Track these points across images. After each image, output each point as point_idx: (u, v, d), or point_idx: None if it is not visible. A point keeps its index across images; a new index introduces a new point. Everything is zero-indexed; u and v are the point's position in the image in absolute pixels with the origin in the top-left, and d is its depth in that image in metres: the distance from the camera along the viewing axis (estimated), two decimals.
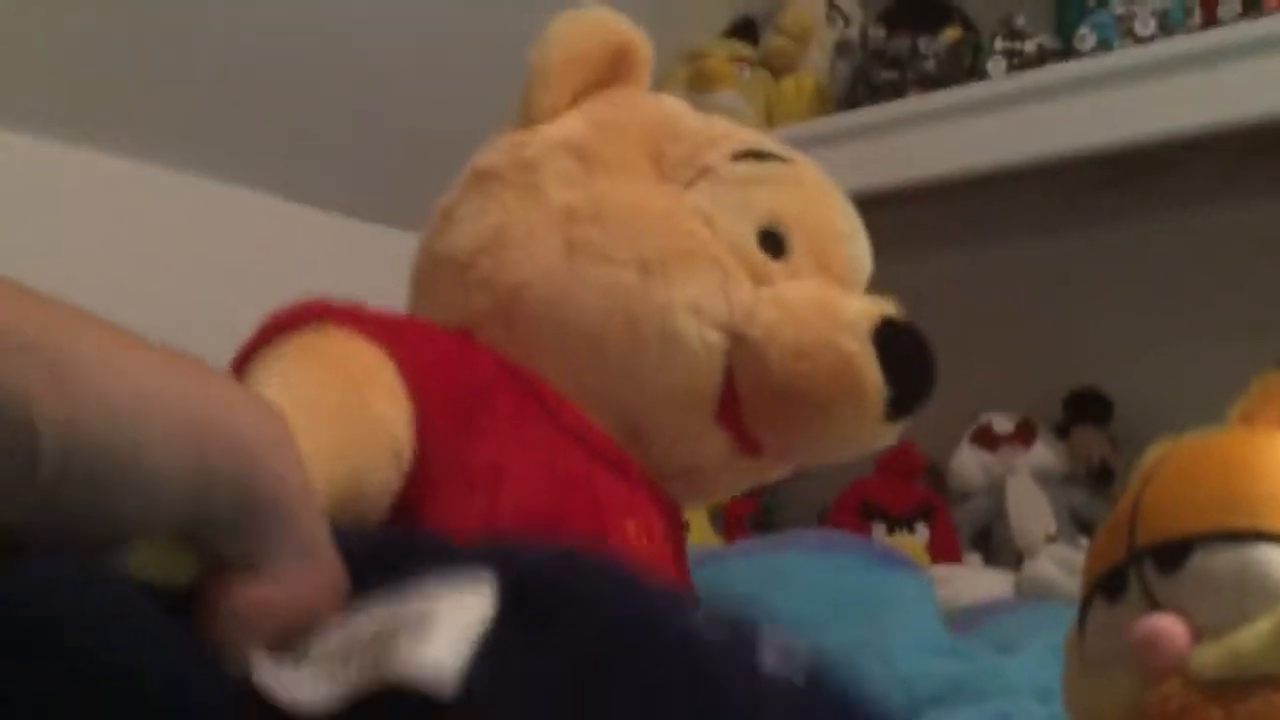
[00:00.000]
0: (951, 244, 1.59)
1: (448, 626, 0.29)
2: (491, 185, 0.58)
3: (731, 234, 0.55)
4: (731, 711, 0.29)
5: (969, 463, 1.43)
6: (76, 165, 0.89)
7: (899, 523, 1.36)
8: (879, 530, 1.35)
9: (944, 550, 1.33)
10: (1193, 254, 1.43)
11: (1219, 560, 0.39)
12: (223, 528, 0.27)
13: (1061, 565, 1.16)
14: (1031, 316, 1.57)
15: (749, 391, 0.54)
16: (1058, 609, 0.98)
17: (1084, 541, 1.33)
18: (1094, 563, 0.45)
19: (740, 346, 0.53)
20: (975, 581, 1.21)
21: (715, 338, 0.53)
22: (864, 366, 0.52)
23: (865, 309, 0.54)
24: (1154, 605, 0.40)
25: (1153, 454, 0.47)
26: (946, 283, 1.60)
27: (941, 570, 1.20)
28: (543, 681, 0.29)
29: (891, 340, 0.53)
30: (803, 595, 0.78)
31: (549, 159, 0.57)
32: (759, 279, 0.55)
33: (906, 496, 1.40)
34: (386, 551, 0.34)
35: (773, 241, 0.57)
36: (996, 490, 1.40)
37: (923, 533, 1.34)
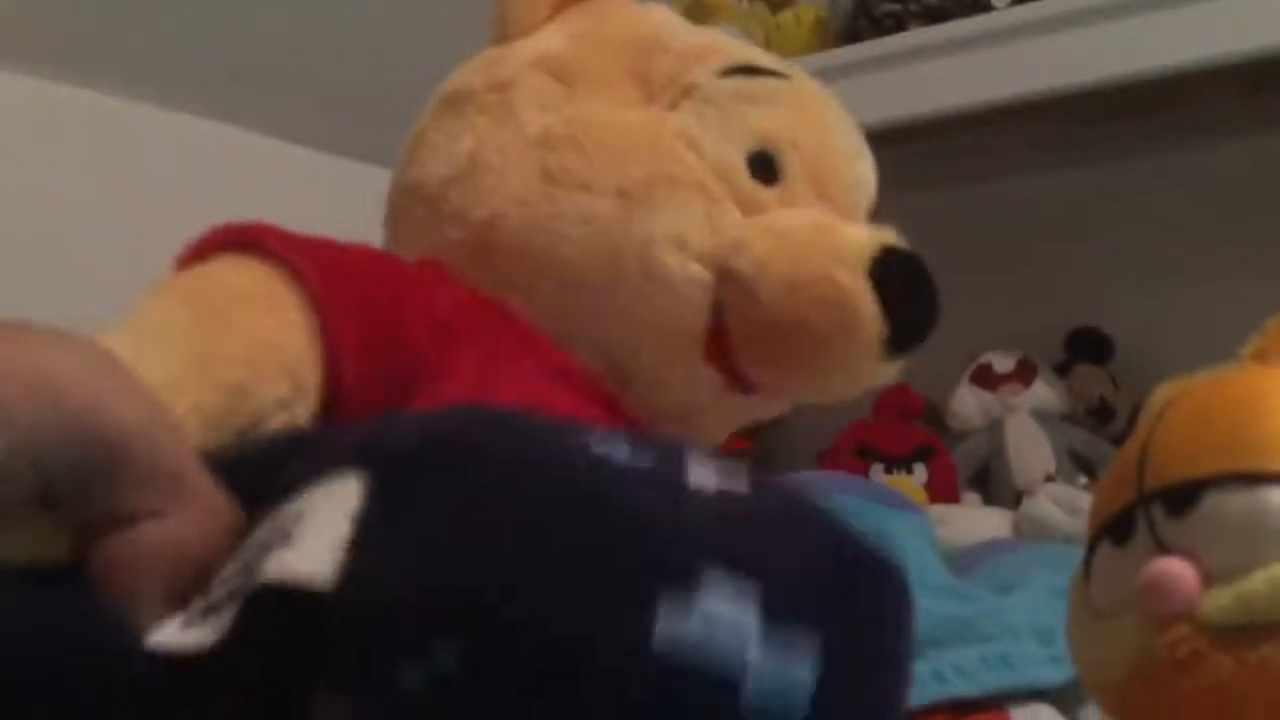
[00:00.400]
0: (952, 180, 1.57)
1: (315, 524, 0.28)
2: (464, 109, 0.55)
3: (719, 158, 0.52)
4: (640, 527, 0.27)
5: (968, 402, 1.43)
6: (59, 103, 0.88)
7: (897, 463, 1.35)
8: (877, 471, 1.34)
9: (942, 490, 1.32)
10: (1197, 191, 1.42)
11: (1230, 503, 0.38)
12: (74, 486, 0.25)
13: (1060, 504, 1.16)
14: (1032, 254, 1.56)
15: (739, 327, 0.51)
16: (1057, 549, 0.97)
17: (1083, 481, 1.32)
18: (1101, 505, 0.43)
19: (728, 280, 0.50)
20: (973, 521, 1.21)
21: (700, 271, 0.50)
22: (860, 301, 0.49)
23: (864, 239, 0.51)
24: (1162, 549, 0.39)
25: (1161, 394, 0.45)
26: (946, 220, 1.58)
27: (939, 510, 1.20)
28: (421, 546, 0.28)
29: (891, 272, 0.50)
30: None
31: (524, 78, 0.54)
32: (749, 207, 0.52)
33: (904, 437, 1.39)
34: (275, 458, 0.33)
35: (765, 165, 0.53)
36: (995, 430, 1.39)
37: (921, 473, 1.34)
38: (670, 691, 0.26)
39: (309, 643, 0.28)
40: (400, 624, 0.27)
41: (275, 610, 0.27)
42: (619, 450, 0.30)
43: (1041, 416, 1.38)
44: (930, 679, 0.64)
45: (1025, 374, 1.42)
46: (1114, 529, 0.42)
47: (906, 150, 1.41)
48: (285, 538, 0.28)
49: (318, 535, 0.28)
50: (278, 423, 0.43)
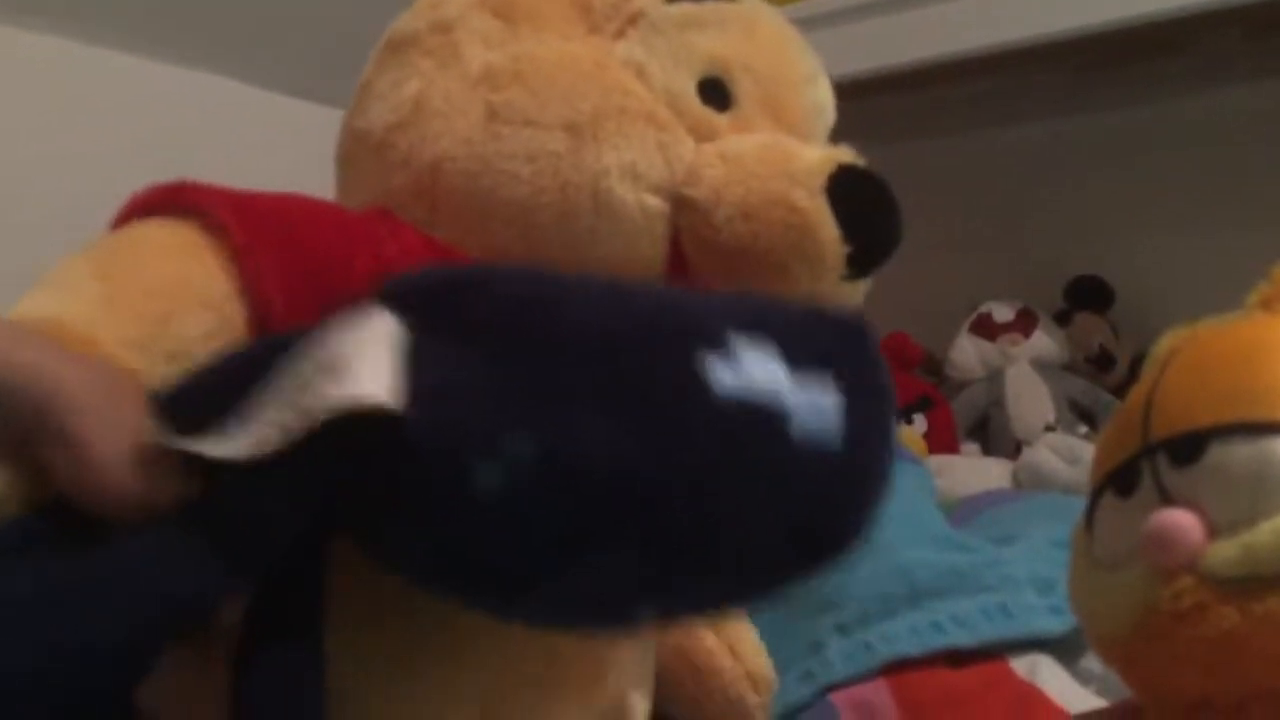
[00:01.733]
0: (951, 129, 1.55)
1: (361, 357, 0.30)
2: (408, 53, 0.53)
3: (668, 86, 0.51)
4: (670, 305, 0.33)
5: (967, 352, 1.42)
6: (12, 45, 0.86)
7: (897, 414, 1.35)
8: None
9: (942, 441, 1.32)
10: (1196, 138, 1.40)
11: (1236, 454, 0.37)
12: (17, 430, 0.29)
13: (1060, 454, 1.16)
14: (1032, 203, 1.55)
15: (698, 257, 0.50)
16: (1057, 499, 0.97)
17: (1083, 430, 1.32)
18: (1105, 455, 0.43)
19: (684, 209, 0.49)
20: (973, 471, 1.21)
21: (655, 202, 0.49)
22: (818, 223, 0.48)
23: (819, 159, 0.49)
24: (1167, 500, 0.39)
25: (1166, 343, 0.45)
26: (945, 169, 1.56)
27: (939, 460, 1.20)
28: (477, 354, 0.31)
29: (848, 191, 0.49)
30: None
31: (467, 17, 0.53)
32: (701, 134, 0.51)
33: (904, 387, 1.39)
34: (258, 354, 0.35)
35: (716, 91, 0.52)
36: (995, 379, 1.39)
37: (920, 423, 1.34)
38: (737, 427, 0.30)
39: (365, 471, 0.29)
40: (471, 429, 0.29)
41: (329, 439, 0.28)
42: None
43: (1041, 366, 1.38)
44: (929, 629, 0.64)
45: (1025, 323, 1.41)
46: (1118, 480, 0.41)
47: (906, 98, 1.40)
48: (331, 372, 0.29)
49: (369, 364, 0.30)
50: (208, 351, 0.42)
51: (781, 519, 0.32)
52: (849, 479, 0.33)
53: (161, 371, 0.40)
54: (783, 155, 0.50)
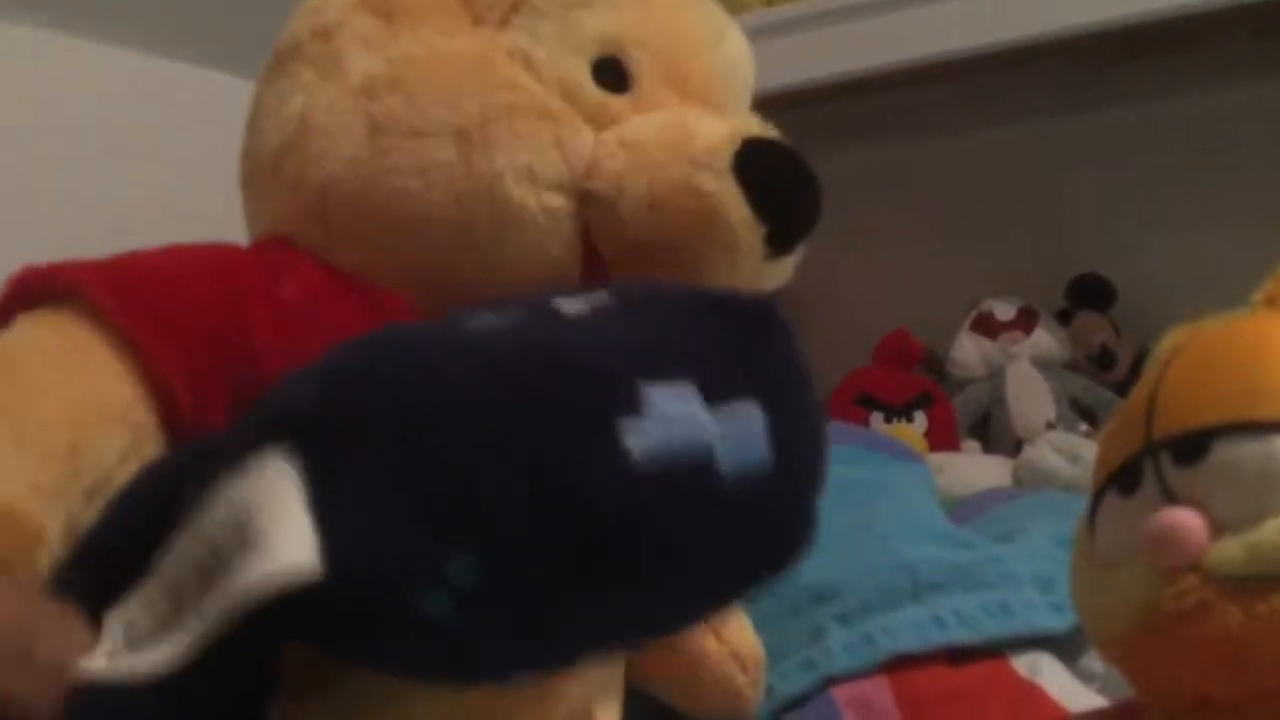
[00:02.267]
0: (951, 126, 1.55)
1: (269, 515, 0.28)
2: (291, 63, 0.50)
3: (559, 73, 0.48)
4: (568, 373, 0.30)
5: (968, 350, 1.42)
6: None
7: (897, 412, 1.35)
8: (876, 420, 1.34)
9: (942, 438, 1.32)
10: (1199, 136, 1.40)
11: (1241, 452, 0.37)
12: None
13: (1061, 452, 1.15)
14: (1033, 201, 1.54)
15: (611, 253, 0.48)
16: (1058, 497, 0.97)
17: (1084, 428, 1.32)
18: (1107, 454, 0.43)
19: (589, 205, 0.47)
20: (973, 469, 1.20)
21: (558, 201, 0.47)
22: (727, 206, 0.45)
23: (723, 135, 0.46)
24: (1170, 498, 0.39)
25: (1170, 340, 0.44)
26: (945, 166, 1.56)
27: (939, 458, 1.19)
28: (391, 483, 0.29)
29: (756, 166, 0.46)
30: None
31: (348, 20, 0.49)
32: (600, 121, 0.48)
33: (904, 385, 1.39)
34: (154, 496, 0.32)
35: (612, 72, 0.49)
36: (996, 377, 1.39)
37: (921, 421, 1.33)
38: (664, 489, 0.29)
39: (302, 627, 0.28)
40: (407, 566, 0.28)
41: (260, 615, 0.27)
42: (486, 320, 0.33)
43: (1042, 364, 1.38)
44: (931, 625, 0.64)
45: (1026, 321, 1.41)
46: (1121, 478, 0.41)
47: (907, 97, 1.40)
48: (243, 542, 0.27)
49: (281, 524, 0.27)
50: (128, 473, 0.38)
51: (724, 552, 0.32)
52: (787, 491, 0.32)
53: (82, 517, 0.37)
54: (683, 136, 0.47)
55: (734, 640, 0.59)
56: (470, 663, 0.30)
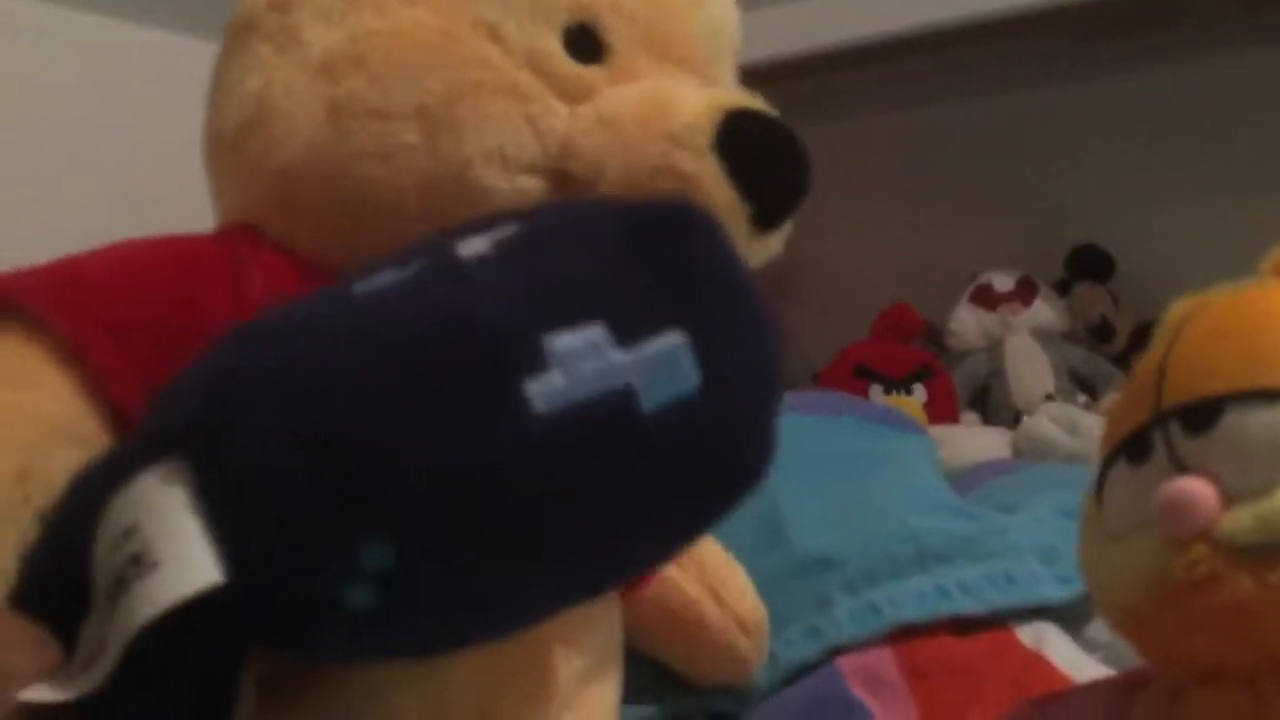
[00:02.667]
0: (949, 96, 1.54)
1: (163, 534, 0.27)
2: (249, 38, 0.47)
3: (528, 45, 0.44)
4: (468, 336, 0.28)
5: (967, 322, 1.42)
6: None
7: (896, 384, 1.35)
8: (876, 392, 1.34)
9: (942, 411, 1.32)
10: (1197, 106, 1.39)
11: (1252, 421, 0.37)
12: None
13: (1060, 423, 1.16)
14: (1032, 172, 1.54)
15: None
16: (1059, 468, 0.97)
17: (1083, 399, 1.32)
18: (1116, 423, 0.43)
19: (566, 185, 0.44)
20: (973, 441, 1.21)
21: (532, 183, 0.44)
22: (710, 186, 0.43)
23: (702, 108, 0.44)
24: (1181, 468, 0.38)
25: (1178, 309, 0.44)
26: (944, 137, 1.55)
27: (939, 430, 1.20)
28: (283, 486, 0.27)
29: (739, 142, 0.43)
30: (804, 455, 0.77)
31: None
32: (574, 95, 0.45)
33: (903, 357, 1.39)
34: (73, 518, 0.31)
35: (585, 41, 0.46)
36: (995, 349, 1.39)
37: (920, 393, 1.34)
38: (580, 443, 0.28)
39: (226, 639, 0.27)
40: (321, 565, 0.27)
41: (177, 630, 0.26)
42: (381, 280, 0.31)
43: (1041, 335, 1.38)
44: (935, 595, 0.64)
45: (1025, 293, 1.41)
46: (1130, 448, 0.41)
47: (904, 66, 1.39)
48: (137, 564, 0.26)
49: (172, 542, 0.26)
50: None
51: (666, 491, 0.30)
52: (728, 415, 0.30)
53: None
54: (661, 111, 0.44)
55: (736, 605, 0.59)
56: (409, 641, 0.29)
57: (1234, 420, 0.37)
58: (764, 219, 0.45)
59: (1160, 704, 0.41)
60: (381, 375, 0.28)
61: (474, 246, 0.31)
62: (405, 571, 0.27)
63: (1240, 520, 0.36)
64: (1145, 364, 0.43)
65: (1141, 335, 1.41)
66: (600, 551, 0.30)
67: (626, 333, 0.29)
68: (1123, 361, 1.39)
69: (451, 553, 0.27)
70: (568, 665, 0.42)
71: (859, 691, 0.59)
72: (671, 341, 0.29)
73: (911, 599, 0.63)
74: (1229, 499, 0.37)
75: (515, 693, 0.39)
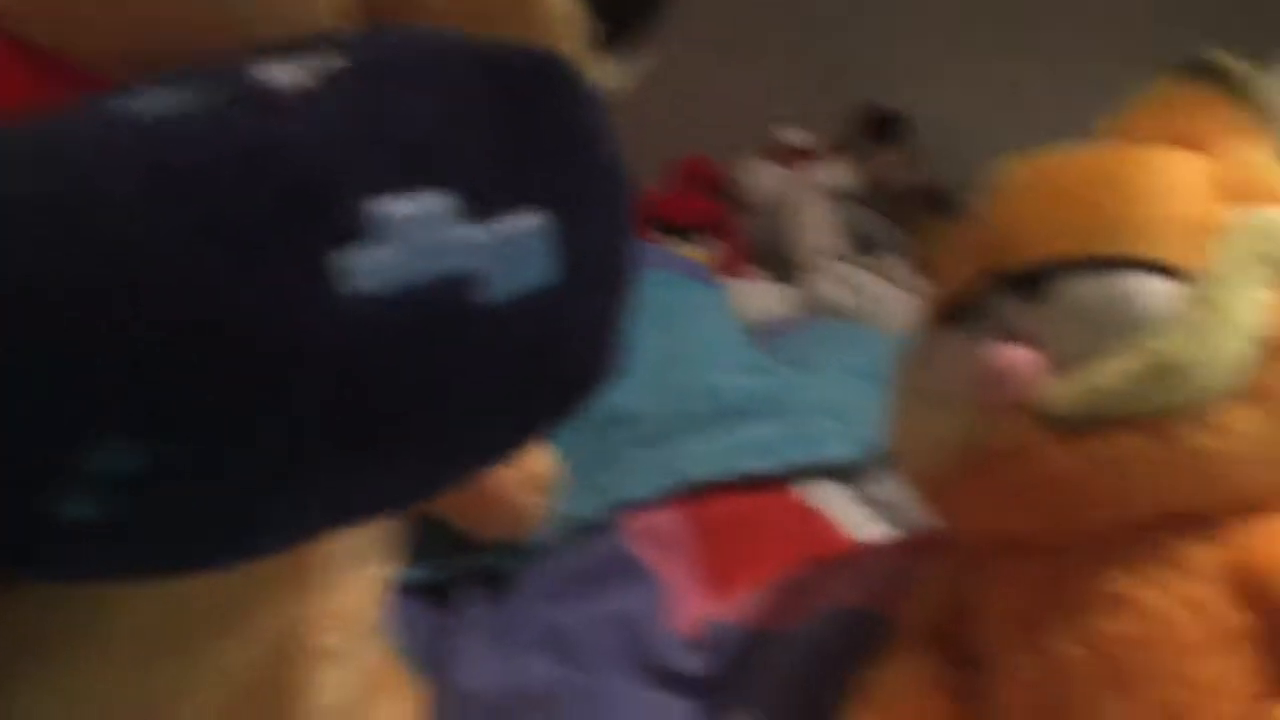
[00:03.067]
0: None
1: None
2: None
3: None
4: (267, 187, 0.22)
5: (761, 176, 1.40)
6: None
7: (689, 236, 1.32)
8: (670, 243, 1.31)
9: (732, 265, 1.31)
10: None
11: (1084, 288, 0.35)
12: None
13: (847, 283, 1.17)
14: (831, 29, 1.52)
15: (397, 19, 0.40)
16: (849, 328, 0.98)
17: (869, 260, 1.34)
18: (941, 285, 0.40)
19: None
20: (761, 297, 1.20)
21: None
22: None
23: None
24: (1007, 334, 0.37)
25: (1010, 170, 0.42)
26: None
27: (729, 285, 1.18)
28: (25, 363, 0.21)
29: None
30: None
31: None
32: None
33: (695, 209, 1.36)
34: None
35: None
36: (786, 206, 1.38)
37: (713, 246, 1.32)
38: (403, 327, 0.23)
39: None
40: (36, 465, 0.21)
41: None
42: (156, 101, 0.23)
43: (833, 194, 1.38)
44: (729, 452, 0.62)
45: (819, 150, 1.40)
46: (955, 311, 0.39)
47: None
48: None
49: None
50: None
51: (507, 387, 0.26)
52: (584, 310, 0.26)
53: None
54: None
55: (531, 462, 0.55)
56: (156, 558, 0.24)
57: (1066, 287, 0.35)
58: (616, 36, 0.39)
59: (955, 574, 0.40)
60: (160, 209, 0.21)
61: (287, 75, 0.24)
62: (156, 479, 0.21)
63: (1061, 390, 0.35)
64: (972, 225, 0.41)
65: (931, 198, 1.44)
66: (430, 452, 0.25)
67: (478, 205, 0.24)
68: (914, 224, 1.41)
69: (216, 459, 0.21)
70: (329, 545, 0.37)
71: (642, 551, 0.57)
72: (531, 222, 0.24)
73: (706, 456, 0.61)
74: (1052, 369, 0.35)
75: (268, 576, 0.34)
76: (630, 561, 0.56)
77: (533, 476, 0.54)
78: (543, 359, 0.26)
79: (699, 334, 0.71)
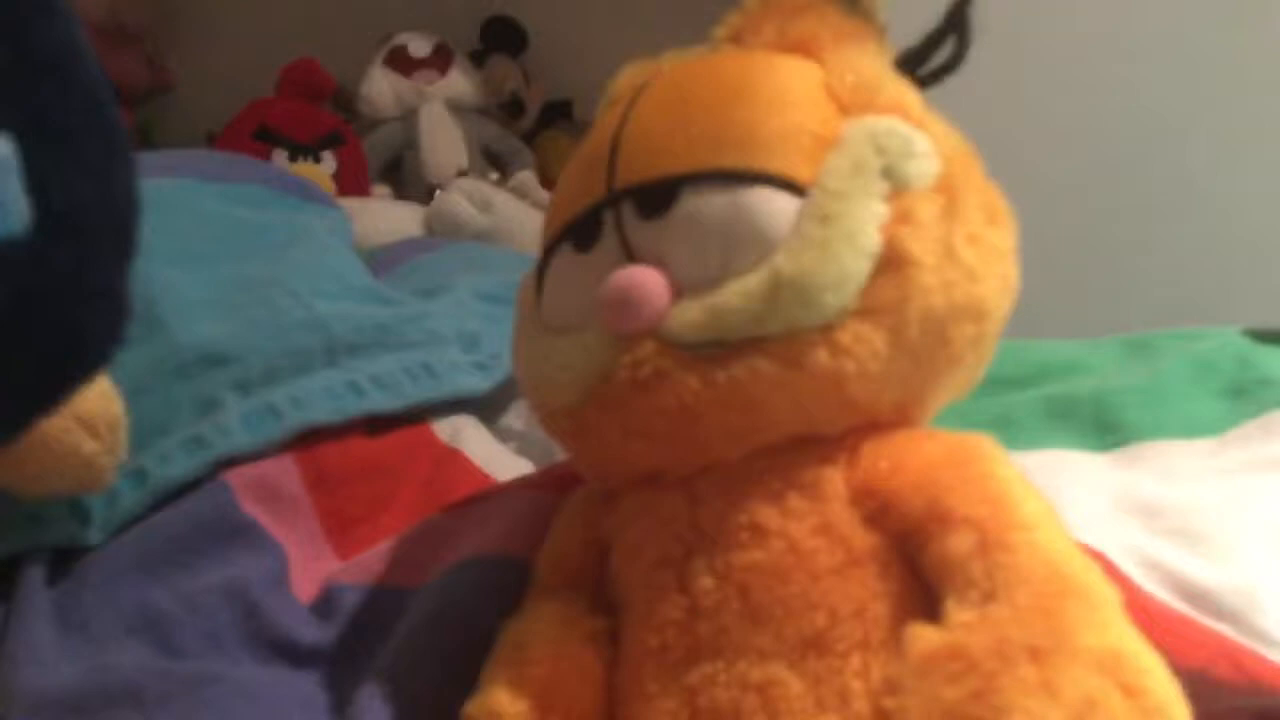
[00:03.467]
0: None
1: None
2: None
3: None
4: None
5: (381, 87, 1.32)
6: None
7: (303, 150, 1.22)
8: (280, 157, 1.21)
9: (352, 182, 1.23)
10: None
11: (708, 204, 0.33)
12: None
13: (473, 200, 1.12)
14: None
15: None
16: (479, 249, 0.93)
17: (495, 176, 1.30)
18: (562, 203, 0.37)
19: None
20: (385, 215, 1.14)
21: None
22: None
23: None
24: (631, 255, 0.34)
25: (629, 78, 0.39)
26: None
27: (350, 204, 1.11)
28: None
29: None
30: (191, 227, 0.64)
31: None
32: None
33: (311, 121, 1.27)
34: None
35: None
36: (409, 119, 1.32)
37: (330, 162, 1.23)
38: None
39: None
40: None
41: None
42: None
43: (456, 107, 1.32)
44: (346, 391, 0.57)
45: (441, 60, 1.34)
46: (576, 231, 0.36)
47: None
48: None
49: None
50: None
51: None
52: (63, 264, 0.22)
53: None
54: None
55: (76, 402, 0.46)
56: None
57: (690, 203, 0.33)
58: None
59: (591, 513, 0.38)
60: None
61: None
62: None
63: (689, 314, 0.32)
64: (594, 137, 0.37)
65: (551, 112, 1.42)
66: None
67: None
68: (533, 140, 1.38)
69: None
70: None
71: (251, 509, 0.50)
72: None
73: (319, 398, 0.55)
74: (680, 291, 0.33)
75: None
76: (239, 523, 0.50)
77: (90, 419, 0.45)
78: (14, 331, 0.20)
79: (307, 262, 0.64)
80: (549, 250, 0.37)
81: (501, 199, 1.15)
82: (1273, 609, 0.41)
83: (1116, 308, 0.95)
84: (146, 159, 0.80)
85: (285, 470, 0.52)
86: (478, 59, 1.40)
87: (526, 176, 1.25)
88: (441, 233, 1.12)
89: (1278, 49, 1.00)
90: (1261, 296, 0.88)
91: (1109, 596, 0.30)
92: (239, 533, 0.49)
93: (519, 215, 1.11)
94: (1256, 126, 1.00)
